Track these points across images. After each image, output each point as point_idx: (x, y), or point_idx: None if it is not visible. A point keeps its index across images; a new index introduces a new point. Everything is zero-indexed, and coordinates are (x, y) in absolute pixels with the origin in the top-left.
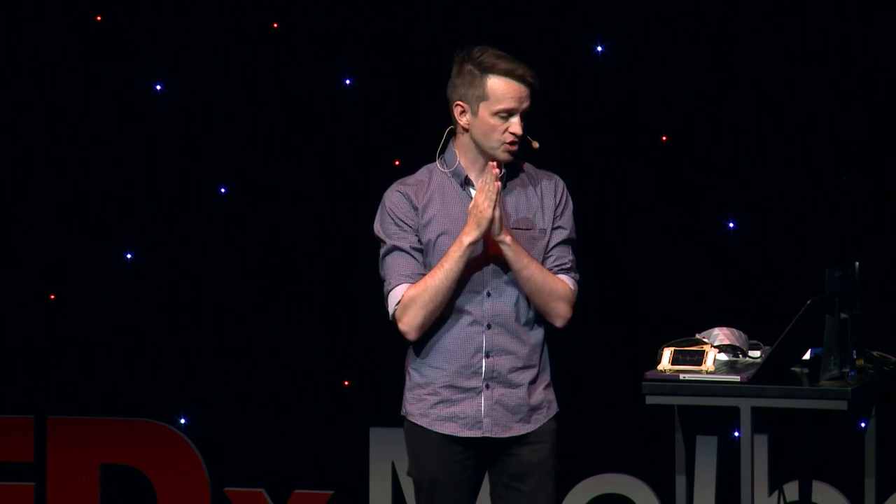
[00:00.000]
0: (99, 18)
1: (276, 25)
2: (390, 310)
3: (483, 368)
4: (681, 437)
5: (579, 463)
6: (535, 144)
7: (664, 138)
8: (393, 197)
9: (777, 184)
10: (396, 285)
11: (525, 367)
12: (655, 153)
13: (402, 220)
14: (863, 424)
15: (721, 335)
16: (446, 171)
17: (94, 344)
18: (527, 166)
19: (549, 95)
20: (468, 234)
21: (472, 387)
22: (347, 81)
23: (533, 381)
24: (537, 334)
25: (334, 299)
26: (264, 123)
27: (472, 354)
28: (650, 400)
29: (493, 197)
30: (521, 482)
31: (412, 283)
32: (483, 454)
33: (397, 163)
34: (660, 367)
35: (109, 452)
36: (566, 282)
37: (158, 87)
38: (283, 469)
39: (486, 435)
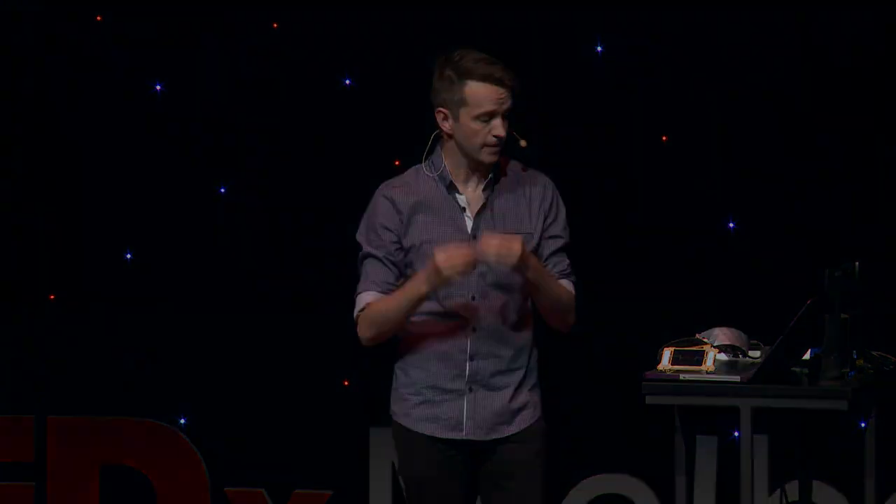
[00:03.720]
0: (99, 18)
1: (276, 25)
2: (354, 312)
3: (467, 371)
4: (681, 437)
5: (579, 463)
6: (523, 143)
7: (664, 138)
8: (378, 204)
9: (777, 184)
10: (363, 291)
11: (510, 370)
12: (655, 153)
13: (385, 227)
14: (863, 424)
15: (721, 335)
16: (433, 174)
17: (94, 344)
18: (513, 165)
19: (549, 95)
20: (425, 284)
21: (454, 389)
22: (347, 81)
23: (518, 384)
24: (524, 336)
25: (334, 299)
26: (264, 123)
27: (456, 357)
28: (650, 400)
29: (462, 269)
30: (507, 481)
31: (378, 292)
32: (469, 454)
33: (397, 163)
34: (660, 367)
35: (109, 452)
36: (570, 289)
37: (158, 87)
38: (283, 469)
39: (467, 437)
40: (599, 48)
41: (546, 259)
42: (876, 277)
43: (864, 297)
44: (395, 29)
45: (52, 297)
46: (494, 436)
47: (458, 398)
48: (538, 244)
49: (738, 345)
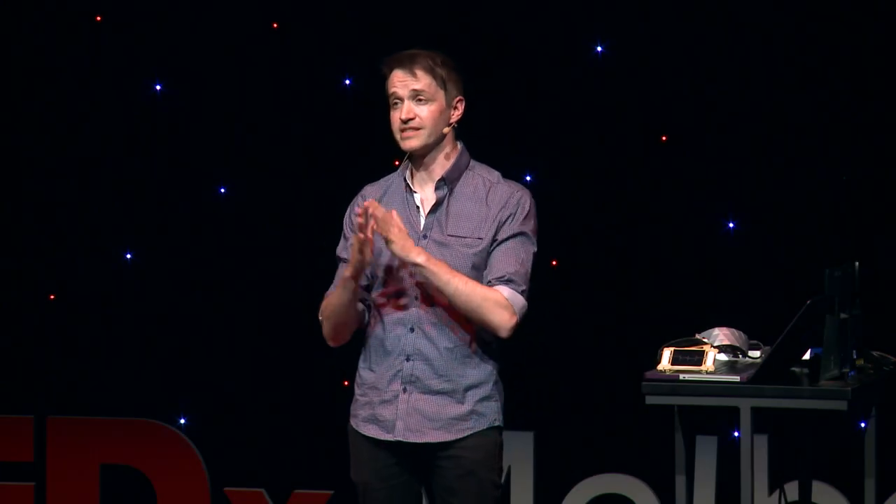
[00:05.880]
0: (99, 18)
1: (275, 25)
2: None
3: (402, 372)
4: (681, 437)
5: (579, 463)
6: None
7: (664, 138)
8: (352, 205)
9: (777, 184)
10: (327, 294)
11: (450, 377)
12: (655, 153)
13: (351, 227)
14: (863, 424)
15: (721, 335)
16: (402, 174)
17: (94, 344)
18: (490, 174)
19: (549, 95)
20: (349, 266)
21: (391, 389)
22: (347, 81)
23: (462, 392)
24: (470, 345)
25: None
26: (264, 123)
27: (394, 357)
28: (650, 400)
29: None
30: (451, 495)
31: None
32: (416, 462)
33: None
34: (660, 367)
35: (109, 452)
36: (500, 290)
37: (158, 88)
38: (283, 469)
39: (398, 439)
40: (599, 48)
41: (490, 262)
42: (876, 277)
43: (864, 297)
44: (394, 29)
45: (52, 297)
46: (428, 440)
47: (394, 399)
48: (488, 252)
49: (738, 345)
